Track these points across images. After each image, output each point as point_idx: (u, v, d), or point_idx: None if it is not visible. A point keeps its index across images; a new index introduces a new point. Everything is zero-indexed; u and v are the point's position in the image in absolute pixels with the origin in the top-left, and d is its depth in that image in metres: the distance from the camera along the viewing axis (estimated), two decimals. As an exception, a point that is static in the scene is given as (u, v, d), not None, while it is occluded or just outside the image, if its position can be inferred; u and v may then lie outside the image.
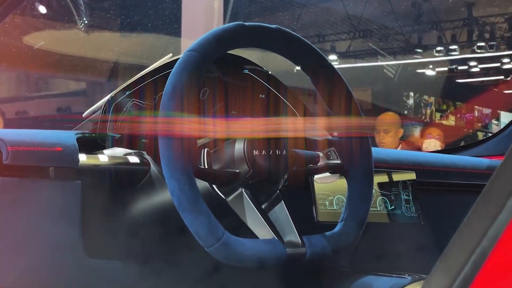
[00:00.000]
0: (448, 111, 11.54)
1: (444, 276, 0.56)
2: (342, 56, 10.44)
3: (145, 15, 7.95)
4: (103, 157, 1.11)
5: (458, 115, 11.54)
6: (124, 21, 8.46)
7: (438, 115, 11.40)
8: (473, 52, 10.09)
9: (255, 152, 1.01)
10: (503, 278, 0.54)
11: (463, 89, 11.57)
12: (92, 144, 1.16)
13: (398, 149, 4.18)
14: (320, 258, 1.01)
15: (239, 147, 1.01)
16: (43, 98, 9.75)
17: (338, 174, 1.11)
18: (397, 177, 1.41)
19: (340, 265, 1.37)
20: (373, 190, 1.14)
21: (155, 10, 7.63)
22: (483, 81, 11.52)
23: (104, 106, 1.15)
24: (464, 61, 10.66)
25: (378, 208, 1.35)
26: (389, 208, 1.37)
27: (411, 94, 11.24)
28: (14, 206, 1.06)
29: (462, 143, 6.48)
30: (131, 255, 1.18)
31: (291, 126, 1.19)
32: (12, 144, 1.03)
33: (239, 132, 1.04)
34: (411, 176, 1.43)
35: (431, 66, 10.90)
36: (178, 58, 0.99)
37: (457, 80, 11.57)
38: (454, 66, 10.86)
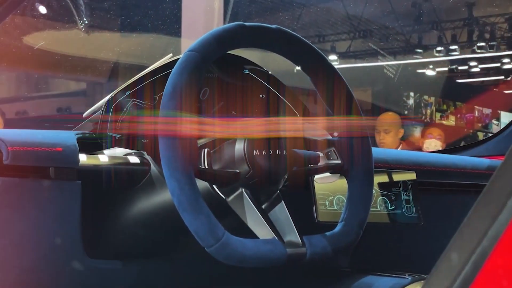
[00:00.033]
0: (448, 111, 11.54)
1: (445, 276, 0.56)
2: (342, 56, 10.44)
3: (145, 15, 7.95)
4: (103, 157, 1.11)
5: (458, 115, 11.54)
6: (124, 21, 8.46)
7: (438, 115, 11.40)
8: (473, 52, 10.10)
9: (255, 152, 1.01)
10: (504, 278, 0.54)
11: (463, 89, 11.57)
12: (92, 144, 1.16)
13: (399, 149, 4.18)
14: (320, 258, 1.01)
15: (239, 147, 1.01)
16: (43, 98, 9.76)
17: (338, 174, 1.11)
18: (397, 177, 1.41)
19: (340, 265, 1.37)
20: (373, 190, 1.14)
21: (155, 10, 7.63)
22: (483, 81, 11.53)
23: (104, 106, 1.15)
24: (464, 61, 10.66)
25: (379, 208, 1.35)
26: (389, 208, 1.37)
27: (411, 94, 11.24)
28: (15, 206, 1.06)
29: (462, 143, 6.49)
30: (131, 255, 1.18)
31: (291, 126, 1.19)
32: (12, 144, 1.03)
33: (239, 132, 1.04)
34: (412, 176, 1.43)
35: (431, 66, 10.90)
36: (178, 58, 0.99)
37: (457, 80, 11.57)
38: (454, 66, 10.86)
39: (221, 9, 5.17)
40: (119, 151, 1.14)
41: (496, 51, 9.87)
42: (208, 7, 5.16)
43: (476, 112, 11.52)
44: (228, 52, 1.08)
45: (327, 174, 1.11)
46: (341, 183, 1.12)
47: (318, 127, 1.16)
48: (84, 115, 1.21)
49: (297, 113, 1.26)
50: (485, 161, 1.72)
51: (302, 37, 1.09)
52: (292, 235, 1.00)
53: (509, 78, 10.93)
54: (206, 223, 0.92)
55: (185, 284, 1.25)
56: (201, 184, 0.97)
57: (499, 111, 11.23)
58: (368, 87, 10.39)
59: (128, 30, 8.28)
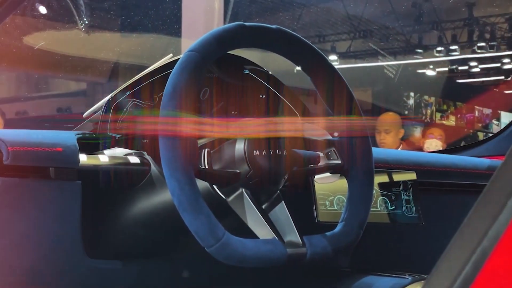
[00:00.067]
0: (449, 111, 11.54)
1: (445, 276, 0.56)
2: (343, 56, 10.44)
3: (145, 15, 7.95)
4: (104, 158, 1.11)
5: (459, 115, 11.54)
6: (124, 21, 8.46)
7: (438, 115, 11.40)
8: (474, 52, 10.10)
9: (256, 152, 1.01)
10: (504, 278, 0.54)
11: (464, 89, 11.57)
12: (93, 144, 1.16)
13: (399, 149, 4.18)
14: (320, 258, 1.01)
15: (239, 147, 1.01)
16: (44, 98, 9.76)
17: (339, 174, 1.11)
18: (397, 177, 1.41)
19: (340, 265, 1.37)
20: (374, 190, 1.14)
21: (155, 10, 7.64)
22: (483, 81, 11.53)
23: (105, 106, 1.15)
24: (464, 61, 10.67)
25: (379, 208, 1.35)
26: (390, 208, 1.37)
27: (412, 94, 11.24)
28: (15, 206, 1.06)
29: (463, 143, 6.49)
30: (131, 255, 1.18)
31: (291, 126, 1.19)
32: (12, 144, 1.03)
33: (240, 132, 1.04)
34: (412, 176, 1.43)
35: (431, 66, 10.90)
36: (179, 59, 0.99)
37: (457, 80, 11.57)
38: (454, 66, 10.86)
39: (221, 9, 5.17)
40: (119, 151, 1.14)
41: (496, 51, 9.87)
42: (208, 7, 5.16)
43: (476, 112, 11.52)
44: (228, 52, 1.08)
45: (327, 174, 1.11)
46: (341, 183, 1.12)
47: (318, 127, 1.16)
48: (84, 115, 1.21)
49: (297, 113, 1.26)
50: (485, 161, 1.72)
51: (302, 37, 1.09)
52: (292, 235, 1.00)
53: (509, 78, 10.93)
54: (206, 223, 0.92)
55: (185, 284, 1.25)
56: (201, 184, 0.97)
57: (499, 111, 11.23)
58: (368, 87, 10.39)
59: (128, 30, 8.28)
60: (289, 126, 1.17)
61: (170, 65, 1.13)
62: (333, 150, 1.10)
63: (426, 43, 10.28)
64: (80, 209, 1.09)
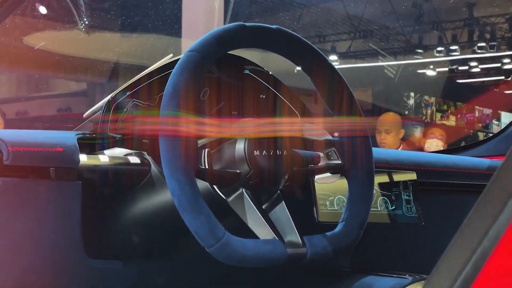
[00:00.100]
0: (449, 111, 11.54)
1: (445, 277, 0.56)
2: (343, 56, 10.44)
3: (145, 15, 7.95)
4: (104, 158, 1.11)
5: (459, 115, 11.54)
6: (124, 21, 8.46)
7: (438, 115, 11.40)
8: (474, 52, 10.09)
9: (256, 152, 1.01)
10: (504, 278, 0.54)
11: (464, 89, 11.57)
12: (93, 145, 1.16)
13: (399, 149, 4.18)
14: (320, 258, 1.01)
15: (239, 147, 1.01)
16: (44, 98, 9.76)
17: (339, 175, 1.11)
18: (398, 177, 1.41)
19: (340, 265, 1.37)
20: (374, 191, 1.14)
21: (155, 10, 7.64)
22: (483, 81, 11.52)
23: (105, 106, 1.15)
24: (464, 62, 10.66)
25: (379, 209, 1.35)
26: (390, 208, 1.37)
27: (412, 94, 11.24)
28: (15, 206, 1.06)
29: (463, 144, 6.49)
30: (131, 255, 1.18)
31: (292, 126, 1.19)
32: (12, 145, 1.03)
33: (240, 132, 1.03)
34: (412, 176, 1.43)
35: (431, 67, 10.90)
36: (179, 59, 0.99)
37: (457, 81, 11.57)
38: (454, 67, 10.86)
39: (222, 9, 5.17)
40: (119, 151, 1.14)
41: (497, 51, 9.87)
42: (208, 7, 5.16)
43: (477, 112, 11.52)
44: (228, 52, 1.08)
45: (328, 174, 1.11)
46: (342, 183, 1.12)
47: (318, 127, 1.16)
48: (84, 115, 1.21)
49: (297, 113, 1.26)
50: (485, 161, 1.72)
51: (302, 37, 1.08)
52: (293, 235, 1.00)
53: (509, 78, 10.92)
54: (207, 223, 0.92)
55: (185, 284, 1.25)
56: (202, 184, 0.97)
57: (499, 111, 11.23)
58: (368, 87, 10.39)
59: (129, 30, 8.28)
60: (289, 126, 1.16)
61: (170, 65, 1.14)
62: (333, 150, 1.10)
63: (426, 43, 10.28)
64: (80, 209, 1.09)
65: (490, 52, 9.82)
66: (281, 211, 1.04)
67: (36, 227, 1.07)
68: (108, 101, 1.15)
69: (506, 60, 10.39)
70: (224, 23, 5.05)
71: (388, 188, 1.38)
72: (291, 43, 1.07)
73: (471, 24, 9.74)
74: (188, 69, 0.96)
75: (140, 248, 1.18)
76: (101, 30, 7.85)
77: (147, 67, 1.19)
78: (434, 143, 4.90)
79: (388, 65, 10.55)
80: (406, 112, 10.88)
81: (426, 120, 11.03)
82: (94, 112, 1.19)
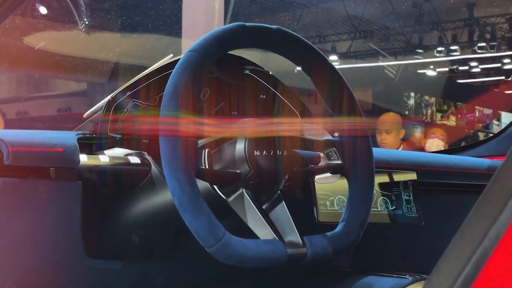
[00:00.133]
0: (449, 111, 11.54)
1: (445, 277, 0.56)
2: (343, 56, 10.44)
3: (145, 15, 7.95)
4: (104, 158, 1.11)
5: (459, 115, 11.54)
6: (124, 21, 8.46)
7: (439, 115, 11.40)
8: (474, 52, 10.09)
9: (256, 153, 1.01)
10: (505, 278, 0.54)
11: (464, 89, 11.57)
12: (93, 145, 1.16)
13: (400, 149, 4.18)
14: (321, 259, 1.01)
15: (239, 147, 1.01)
16: (44, 98, 9.76)
17: (339, 175, 1.11)
18: (398, 177, 1.41)
19: (341, 265, 1.37)
20: (374, 191, 1.14)
21: (155, 10, 7.64)
22: (484, 81, 11.52)
23: (105, 106, 1.15)
24: (465, 62, 10.66)
25: (379, 209, 1.35)
26: (390, 208, 1.37)
27: (412, 94, 11.24)
28: (15, 206, 1.06)
29: (463, 144, 6.49)
30: (131, 255, 1.18)
31: (292, 126, 1.18)
32: (12, 145, 1.03)
33: (240, 132, 1.03)
34: (412, 176, 1.43)
35: (432, 67, 10.90)
36: (179, 59, 0.99)
37: (458, 81, 11.57)
38: (455, 67, 10.86)
39: (222, 9, 5.17)
40: (119, 152, 1.14)
41: (497, 52, 9.87)
42: (208, 8, 5.16)
43: (477, 113, 11.52)
44: (228, 52, 1.08)
45: (328, 174, 1.11)
46: (342, 184, 1.12)
47: (318, 127, 1.16)
48: (84, 115, 1.21)
49: (297, 113, 1.26)
50: (485, 161, 1.72)
51: (302, 38, 1.08)
52: (293, 235, 1.00)
53: (509, 79, 10.92)
54: (207, 223, 0.92)
55: (185, 284, 1.25)
56: (202, 184, 0.97)
57: (499, 111, 11.23)
58: (368, 88, 10.39)
59: (129, 30, 8.28)
60: (289, 126, 1.16)
61: (170, 65, 1.14)
62: (334, 150, 1.10)
63: (426, 43, 10.28)
64: (80, 210, 1.09)
65: (490, 52, 9.82)
66: (281, 211, 1.04)
67: (36, 227, 1.07)
68: (108, 101, 1.15)
69: (507, 60, 10.39)
70: (224, 23, 5.06)
71: (388, 188, 1.38)
72: (291, 43, 1.07)
73: (471, 24, 9.74)
74: (188, 69, 0.96)
75: (140, 248, 1.18)
76: (101, 30, 7.85)
77: (147, 67, 1.19)
78: (435, 143, 4.90)
79: (388, 65, 10.55)
80: (407, 112, 10.88)
81: (426, 120, 11.03)
82: (94, 112, 1.19)
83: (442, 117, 11.38)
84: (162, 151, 0.92)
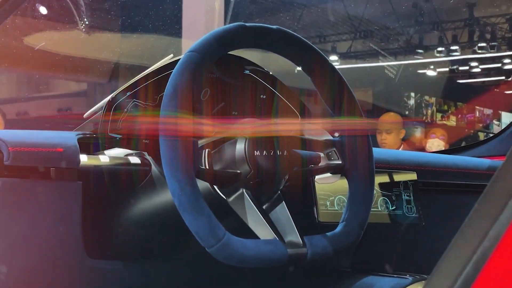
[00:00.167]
0: (449, 111, 11.55)
1: (446, 277, 0.56)
2: (343, 56, 10.44)
3: (146, 16, 7.95)
4: (104, 158, 1.11)
5: (459, 115, 11.54)
6: (125, 22, 8.46)
7: (439, 115, 11.40)
8: (474, 52, 10.10)
9: (256, 153, 1.01)
10: (505, 278, 0.54)
11: (464, 89, 11.57)
12: (93, 145, 1.16)
13: (400, 149, 4.18)
14: (321, 259, 1.01)
15: (240, 147, 1.01)
16: (44, 98, 9.76)
17: (339, 175, 1.11)
18: (398, 177, 1.41)
19: (341, 265, 1.37)
20: (374, 191, 1.14)
21: (156, 11, 7.64)
22: (484, 81, 11.52)
23: (105, 106, 1.15)
24: (465, 62, 10.67)
25: (379, 209, 1.35)
26: (390, 208, 1.37)
27: (412, 94, 11.24)
28: (15, 206, 1.06)
29: (463, 144, 6.48)
30: (131, 255, 1.18)
31: (292, 126, 1.19)
32: (13, 145, 1.03)
33: (240, 132, 1.03)
34: (412, 176, 1.43)
35: (432, 67, 10.90)
36: (179, 59, 0.99)
37: (458, 81, 11.57)
38: (455, 67, 10.86)
39: (222, 9, 5.17)
40: (119, 152, 1.14)
41: (497, 52, 9.87)
42: (208, 8, 5.16)
43: (477, 113, 11.52)
44: (228, 52, 1.08)
45: (328, 174, 1.11)
46: (342, 184, 1.12)
47: (318, 127, 1.16)
48: (85, 115, 1.21)
49: (297, 114, 1.26)
50: (486, 162, 1.72)
51: (302, 38, 1.08)
52: (293, 236, 1.00)
53: (510, 79, 10.92)
54: (207, 223, 0.92)
55: (185, 284, 1.25)
56: (202, 184, 0.97)
57: (500, 112, 11.23)
58: (369, 88, 10.39)
59: (129, 30, 8.28)
60: (289, 126, 1.17)
61: (170, 65, 1.13)
62: (334, 151, 1.10)
63: (426, 44, 10.28)
64: (80, 210, 1.09)
65: (490, 52, 9.82)
66: (282, 211, 1.04)
67: (37, 227, 1.07)
68: (109, 101, 1.15)
69: (507, 60, 10.40)
70: (225, 24, 5.06)
71: (388, 188, 1.38)
72: (291, 43, 1.07)
73: (471, 24, 9.74)
74: (189, 69, 0.96)
75: (140, 248, 1.18)
76: (101, 30, 7.85)
77: (147, 68, 1.19)
78: (436, 143, 4.90)
79: (388, 66, 10.55)
80: (407, 113, 10.88)
81: (426, 120, 11.03)
82: (95, 113, 1.19)
83: (442, 117, 11.39)
84: (162, 151, 0.92)
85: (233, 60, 1.21)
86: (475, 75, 11.30)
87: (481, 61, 10.51)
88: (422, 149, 4.90)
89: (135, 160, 1.12)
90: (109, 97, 1.16)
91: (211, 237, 0.92)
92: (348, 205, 1.09)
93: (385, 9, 9.31)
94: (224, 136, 1.04)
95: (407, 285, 1.16)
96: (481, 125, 11.48)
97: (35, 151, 1.05)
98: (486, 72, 11.11)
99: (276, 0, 9.13)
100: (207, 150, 0.97)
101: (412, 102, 11.27)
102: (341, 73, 1.12)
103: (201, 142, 0.99)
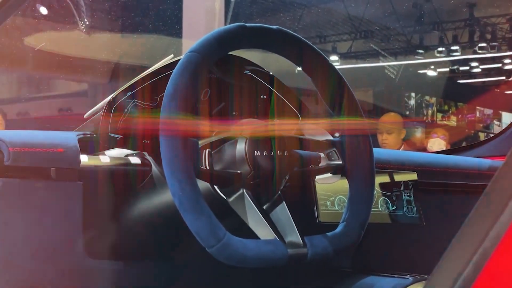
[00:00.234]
0: (450, 111, 11.54)
1: (446, 277, 0.56)
2: (344, 56, 10.45)
3: (146, 16, 7.95)
4: (105, 158, 1.11)
5: (460, 115, 11.54)
6: (125, 22, 8.46)
7: (439, 115, 11.40)
8: (475, 52, 10.10)
9: (257, 153, 1.01)
10: (505, 278, 0.54)
11: (465, 89, 11.57)
12: (94, 145, 1.16)
13: (401, 149, 4.18)
14: (321, 259, 1.01)
15: (240, 147, 1.01)
16: (45, 99, 9.76)
17: (340, 175, 1.11)
18: (398, 177, 1.41)
19: (341, 265, 1.37)
20: (375, 191, 1.14)
21: (156, 11, 7.64)
22: (484, 81, 11.52)
23: (106, 107, 1.15)
24: (465, 62, 10.66)
25: (380, 209, 1.35)
26: (391, 208, 1.37)
27: (413, 94, 11.24)
28: (15, 207, 1.06)
29: (464, 144, 6.49)
30: (132, 255, 1.18)
31: (292, 126, 1.19)
32: (13, 145, 1.03)
33: (240, 132, 1.04)
34: (413, 176, 1.43)
35: (432, 67, 10.90)
36: (179, 59, 0.99)
37: (458, 81, 11.57)
38: (455, 67, 10.86)
39: (222, 10, 5.18)
40: (120, 152, 1.14)
41: (498, 52, 9.87)
42: (209, 8, 5.16)
43: (478, 113, 11.52)
44: (229, 53, 1.08)
45: (328, 174, 1.11)
46: (342, 184, 1.12)
47: (319, 127, 1.16)
48: (85, 115, 1.21)
49: (298, 114, 1.26)
50: (486, 162, 1.72)
51: (303, 38, 1.08)
52: (293, 236, 1.00)
53: (510, 79, 10.92)
54: (207, 223, 0.92)
55: (185, 284, 1.25)
56: (202, 184, 0.97)
57: (500, 112, 11.23)
58: (369, 88, 10.39)
59: (129, 31, 8.28)
60: (290, 126, 1.17)
61: (171, 65, 1.14)
62: (334, 151, 1.10)
63: (427, 44, 10.28)
64: (81, 210, 1.09)
65: (491, 53, 9.82)
66: (282, 212, 1.04)
67: (37, 227, 1.07)
68: (109, 101, 1.15)
69: (507, 61, 10.40)
70: (225, 24, 5.06)
71: (389, 188, 1.38)
72: (291, 43, 1.07)
73: (471, 24, 9.74)
74: (189, 69, 0.96)
75: (140, 248, 1.18)
76: (101, 30, 7.85)
77: (147, 68, 1.19)
78: (437, 142, 4.91)
79: (389, 66, 10.55)
80: (407, 113, 10.88)
81: (427, 121, 11.03)
82: (95, 113, 1.19)
83: (443, 117, 11.39)
84: (163, 151, 0.92)
85: (233, 60, 1.21)
86: (475, 75, 11.30)
87: (482, 61, 10.51)
88: (423, 149, 4.90)
89: (135, 160, 1.12)
90: (109, 97, 1.16)
91: (211, 237, 0.92)
92: (348, 205, 1.09)
93: (385, 9, 9.31)
94: (224, 136, 1.04)
95: (408, 285, 1.16)
96: (481, 125, 11.48)
97: (35, 152, 1.05)
98: (486, 72, 11.11)
99: (276, 0, 9.13)
100: (207, 150, 0.97)
101: (412, 102, 11.27)
102: (342, 73, 1.12)
103: (201, 143, 0.99)
